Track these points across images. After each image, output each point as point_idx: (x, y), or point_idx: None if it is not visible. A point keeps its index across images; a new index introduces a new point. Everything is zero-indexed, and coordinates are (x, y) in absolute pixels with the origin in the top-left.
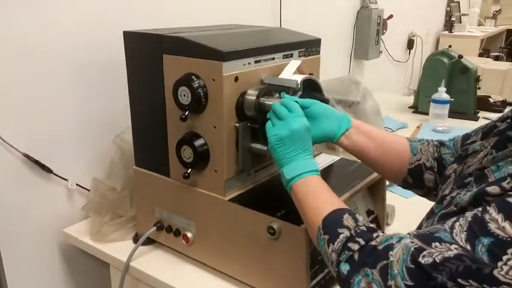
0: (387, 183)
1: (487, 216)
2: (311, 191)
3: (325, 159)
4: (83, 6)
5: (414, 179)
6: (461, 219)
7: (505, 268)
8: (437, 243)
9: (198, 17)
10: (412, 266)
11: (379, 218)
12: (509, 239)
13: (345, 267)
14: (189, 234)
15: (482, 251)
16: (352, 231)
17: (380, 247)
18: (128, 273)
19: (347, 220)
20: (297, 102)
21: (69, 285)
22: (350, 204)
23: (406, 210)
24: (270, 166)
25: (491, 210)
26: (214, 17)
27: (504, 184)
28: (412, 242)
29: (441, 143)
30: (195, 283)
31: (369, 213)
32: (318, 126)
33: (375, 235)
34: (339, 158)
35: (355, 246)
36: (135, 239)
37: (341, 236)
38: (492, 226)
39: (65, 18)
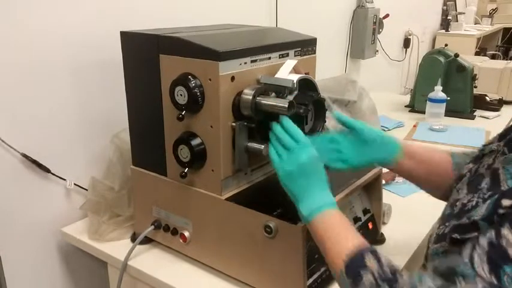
0: (383, 181)
1: (503, 242)
2: (330, 228)
3: None
4: (82, 6)
5: None
6: (478, 248)
7: None
8: (461, 279)
9: (194, 17)
10: None
11: (375, 216)
12: None
13: None
14: (187, 233)
15: (509, 281)
16: (376, 275)
17: None
18: (126, 272)
19: (369, 261)
20: (342, 119)
21: (67, 284)
22: (346, 203)
23: (403, 209)
24: (266, 165)
25: (506, 232)
26: (210, 17)
27: None
28: (436, 286)
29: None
30: (192, 282)
31: (365, 212)
32: (367, 152)
33: (399, 279)
34: None
35: None
36: (133, 238)
37: (365, 282)
38: (511, 252)
39: (64, 18)
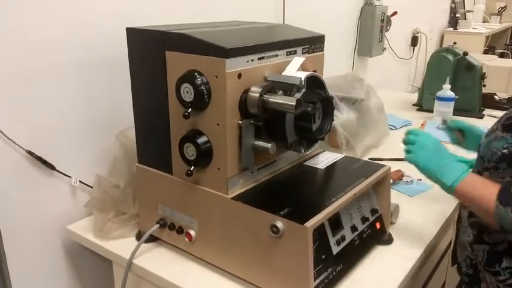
0: (391, 181)
1: None
2: (475, 185)
3: (329, 157)
4: (86, 4)
5: None
6: None
7: None
8: None
9: (201, 14)
10: None
11: (383, 216)
12: None
13: None
14: (192, 232)
15: None
16: None
17: None
18: (131, 270)
19: None
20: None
21: (72, 282)
22: (354, 202)
23: (411, 209)
24: (273, 164)
25: None
26: (217, 14)
27: None
28: None
29: None
30: (198, 281)
31: (373, 211)
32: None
33: None
34: (343, 155)
35: None
36: (138, 237)
37: None
38: None
39: (69, 14)
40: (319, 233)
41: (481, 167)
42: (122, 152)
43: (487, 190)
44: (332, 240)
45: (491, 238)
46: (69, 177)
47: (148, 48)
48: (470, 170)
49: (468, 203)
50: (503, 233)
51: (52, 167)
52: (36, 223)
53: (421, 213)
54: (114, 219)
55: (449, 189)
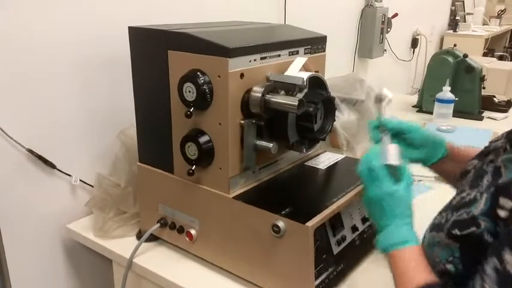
0: None
1: (508, 267)
2: (403, 263)
3: (330, 158)
4: (88, 3)
5: None
6: (486, 279)
7: None
8: None
9: (203, 14)
10: None
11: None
12: None
13: None
14: (193, 232)
15: None
16: None
17: None
18: (131, 269)
19: None
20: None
21: (72, 281)
22: (354, 202)
23: None
24: (274, 163)
25: (508, 257)
26: (219, 14)
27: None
28: None
29: None
30: (198, 280)
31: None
32: (413, 151)
33: None
34: (343, 156)
35: None
36: (139, 236)
37: None
38: None
39: (70, 12)
40: (320, 233)
41: None
42: (123, 151)
43: (414, 277)
44: (333, 240)
45: None
46: (70, 176)
47: (151, 48)
48: (415, 245)
49: (393, 276)
50: None
51: (52, 166)
52: (37, 222)
53: (421, 214)
54: (115, 218)
55: (381, 251)
